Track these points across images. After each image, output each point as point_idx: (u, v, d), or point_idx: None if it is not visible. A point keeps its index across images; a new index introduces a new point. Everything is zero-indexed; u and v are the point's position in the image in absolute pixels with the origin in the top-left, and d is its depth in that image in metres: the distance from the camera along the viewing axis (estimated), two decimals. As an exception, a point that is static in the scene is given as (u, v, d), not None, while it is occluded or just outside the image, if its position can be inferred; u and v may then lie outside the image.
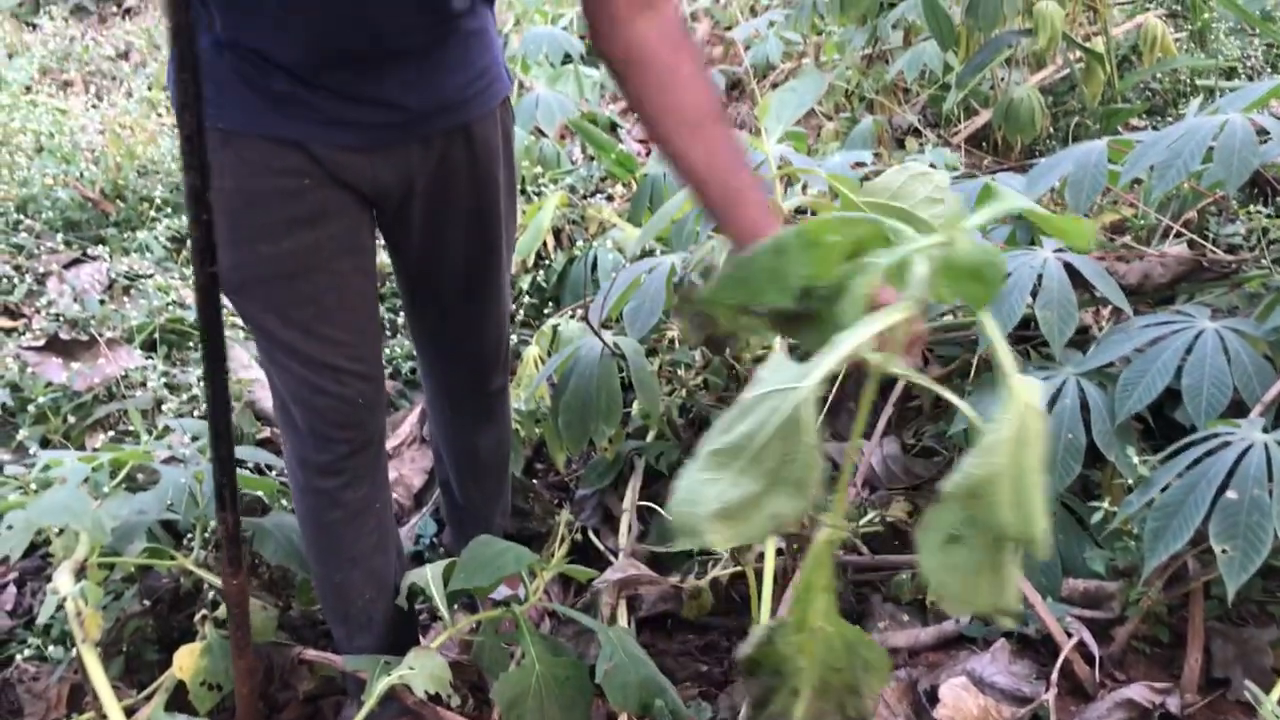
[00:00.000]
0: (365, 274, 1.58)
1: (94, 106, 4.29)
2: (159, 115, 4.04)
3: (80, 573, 1.57)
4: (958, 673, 1.73)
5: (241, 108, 1.42)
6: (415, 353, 1.91)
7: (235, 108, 1.42)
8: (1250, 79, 3.68)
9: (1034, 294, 1.97)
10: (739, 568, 1.98)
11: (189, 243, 1.26)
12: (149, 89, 4.44)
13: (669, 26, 1.34)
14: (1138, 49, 3.49)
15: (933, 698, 1.69)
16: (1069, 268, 2.02)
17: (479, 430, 1.96)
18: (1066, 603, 1.83)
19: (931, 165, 2.87)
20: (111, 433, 2.37)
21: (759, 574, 1.93)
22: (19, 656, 1.87)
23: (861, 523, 2.09)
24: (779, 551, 2.00)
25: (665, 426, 2.33)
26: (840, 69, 3.79)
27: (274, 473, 2.19)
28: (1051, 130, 3.48)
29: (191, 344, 2.70)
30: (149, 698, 1.84)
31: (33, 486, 1.75)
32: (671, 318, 1.55)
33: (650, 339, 2.39)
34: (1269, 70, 3.73)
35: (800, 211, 1.75)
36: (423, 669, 1.40)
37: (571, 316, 2.58)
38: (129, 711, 1.85)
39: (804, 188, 2.11)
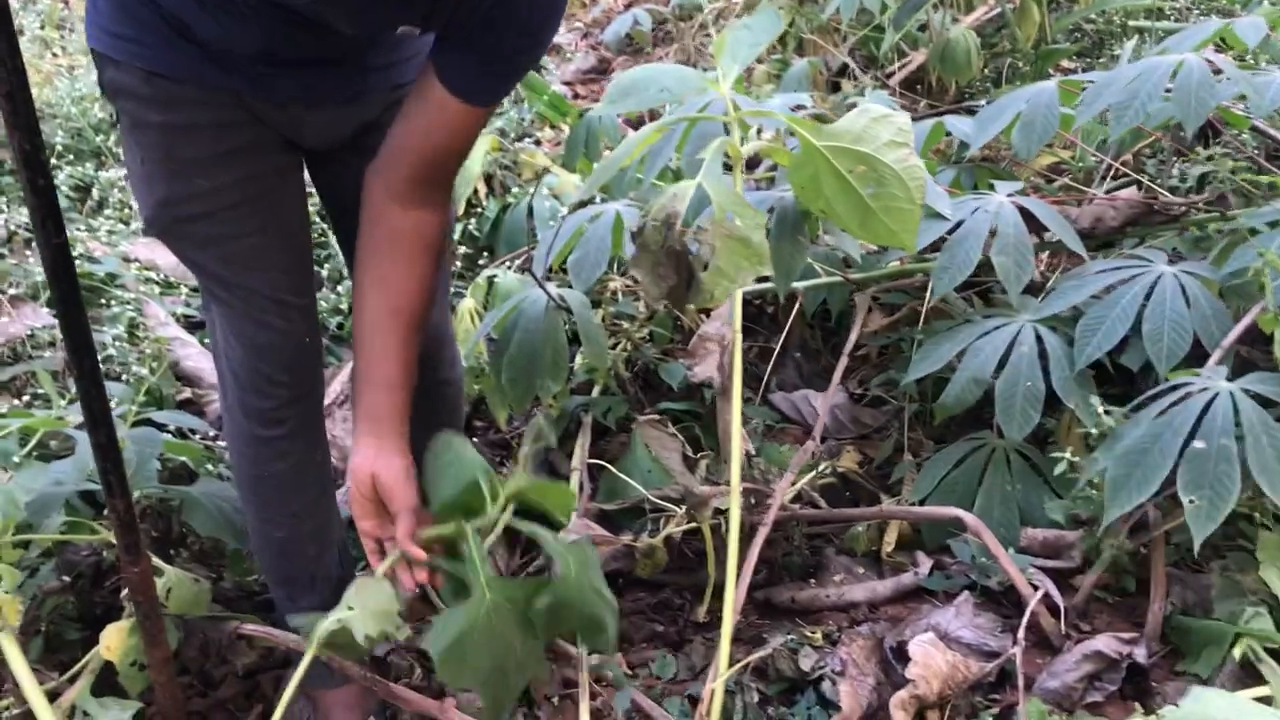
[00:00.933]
0: (303, 203, 1.53)
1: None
2: (54, 55, 3.79)
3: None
4: (922, 628, 1.70)
5: (165, 51, 1.32)
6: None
7: (158, 50, 1.32)
8: (1176, 21, 3.68)
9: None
10: (693, 524, 1.92)
11: (35, 209, 1.18)
12: (41, 27, 4.17)
13: (434, 226, 1.41)
14: (1068, -10, 3.46)
15: (899, 654, 1.66)
16: (1023, 212, 1.98)
17: (428, 421, 1.87)
18: (1026, 553, 1.81)
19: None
20: (21, 399, 2.22)
21: (715, 530, 1.88)
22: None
23: (812, 475, 2.05)
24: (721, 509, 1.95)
25: (612, 381, 2.25)
26: (772, 7, 3.70)
27: (197, 436, 2.06)
28: (985, 72, 3.44)
29: (103, 300, 2.54)
30: (73, 679, 1.73)
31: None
32: (630, 270, 1.47)
33: (593, 290, 2.30)
34: (1195, 11, 3.73)
35: (756, 160, 1.67)
36: (366, 605, 1.31)
37: (508, 267, 2.48)
38: (52, 695, 1.73)
39: (759, 132, 2.03)
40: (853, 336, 2.03)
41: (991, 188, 2.08)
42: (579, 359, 2.34)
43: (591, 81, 4.55)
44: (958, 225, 1.96)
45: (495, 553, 2.09)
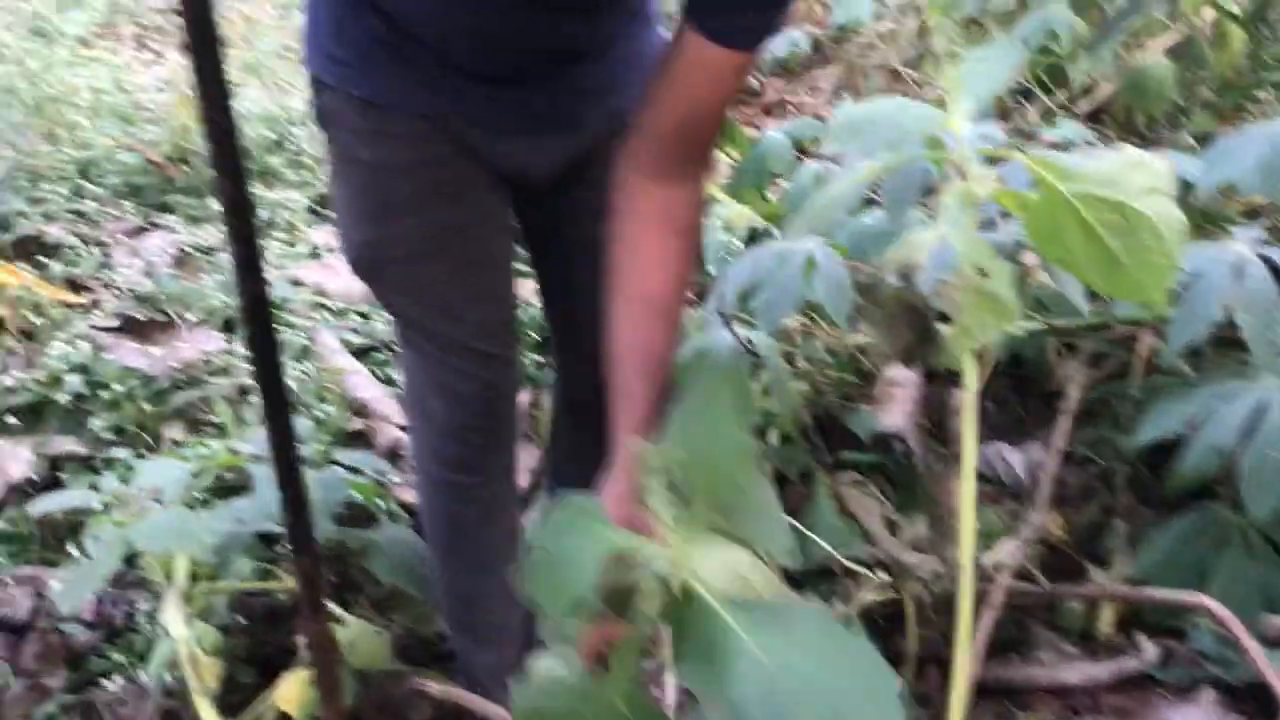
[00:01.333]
0: (508, 249, 1.46)
1: (151, 63, 4.09)
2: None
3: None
4: (1157, 725, 1.53)
5: (382, 77, 1.25)
6: (551, 345, 1.74)
7: (375, 76, 1.25)
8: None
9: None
10: (895, 595, 1.78)
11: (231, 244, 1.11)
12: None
13: (686, 205, 1.25)
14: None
15: (1131, 754, 1.50)
16: (1265, 261, 1.80)
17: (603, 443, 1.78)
18: (1272, 645, 1.63)
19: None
20: (196, 426, 2.19)
21: (919, 603, 1.74)
22: (109, 683, 1.69)
23: (1019, 542, 1.89)
24: (938, 576, 1.81)
25: (793, 428, 2.13)
26: (944, 30, 3.54)
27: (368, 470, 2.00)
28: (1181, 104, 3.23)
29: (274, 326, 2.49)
30: (245, 725, 1.68)
31: (125, 492, 1.56)
32: (863, 323, 1.35)
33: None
34: None
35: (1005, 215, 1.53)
36: None
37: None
38: (225, 741, 1.69)
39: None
40: (1074, 394, 1.86)
41: (1224, 231, 1.90)
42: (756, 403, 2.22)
43: (743, 104, 4.44)
44: (1190, 274, 1.79)
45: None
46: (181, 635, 1.30)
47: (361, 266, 1.38)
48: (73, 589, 1.41)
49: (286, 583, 1.62)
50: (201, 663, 1.29)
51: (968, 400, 1.53)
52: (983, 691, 1.80)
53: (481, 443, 1.48)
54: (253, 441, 1.90)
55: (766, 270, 2.01)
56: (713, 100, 1.19)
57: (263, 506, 1.68)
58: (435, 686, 1.60)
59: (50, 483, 2.09)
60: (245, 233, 1.14)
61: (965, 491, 1.48)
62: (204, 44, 0.97)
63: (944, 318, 1.36)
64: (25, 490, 2.05)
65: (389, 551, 1.68)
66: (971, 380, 1.56)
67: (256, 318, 1.19)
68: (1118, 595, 1.74)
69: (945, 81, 1.55)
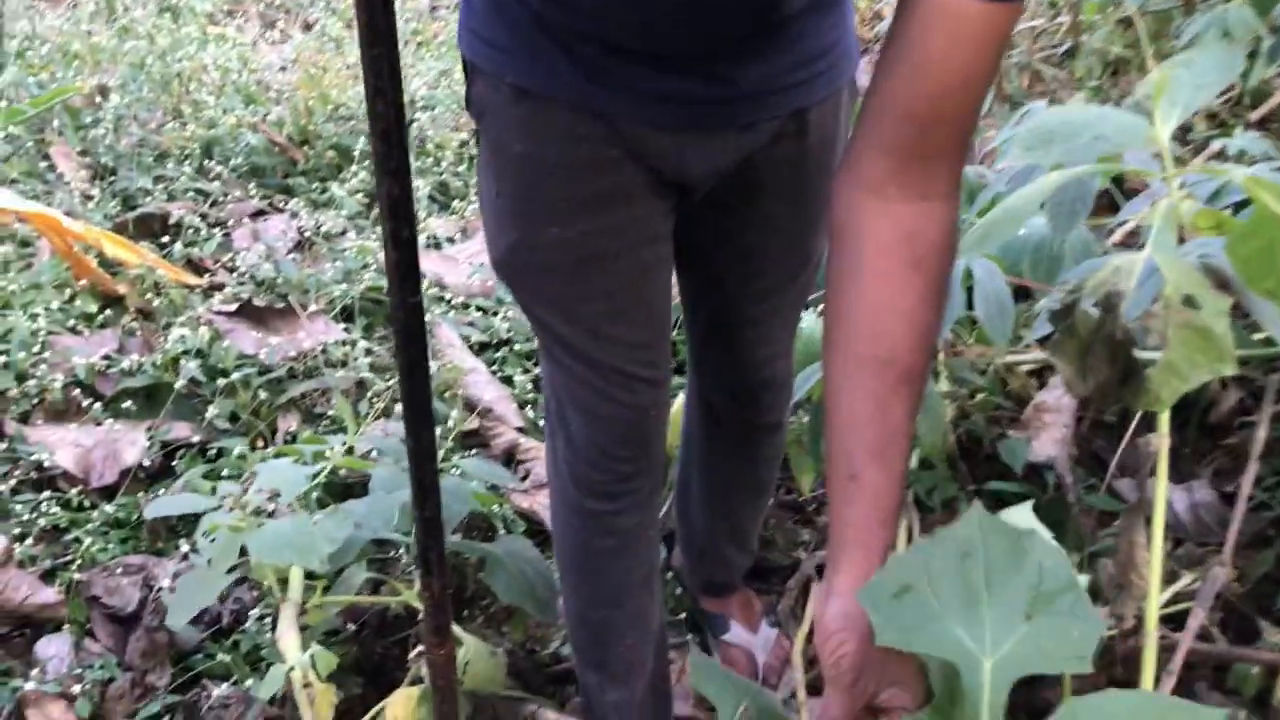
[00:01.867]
0: (665, 265, 1.32)
1: (278, 42, 4.07)
2: (345, 56, 3.78)
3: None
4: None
5: (541, 64, 1.13)
6: (688, 351, 1.62)
7: (533, 62, 1.14)
8: None
9: None
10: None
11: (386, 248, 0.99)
12: (337, 25, 4.18)
13: (935, 226, 0.96)
14: None
15: None
16: None
17: (739, 464, 1.67)
18: None
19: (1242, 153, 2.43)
20: (313, 418, 2.13)
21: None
22: (214, 687, 1.63)
23: (1176, 590, 1.72)
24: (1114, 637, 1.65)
25: (939, 453, 1.98)
26: (1102, 31, 3.34)
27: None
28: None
29: (387, 317, 2.43)
30: (353, 740, 1.60)
31: (243, 500, 1.49)
32: (1051, 355, 1.20)
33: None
34: None
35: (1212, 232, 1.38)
36: None
37: (819, 313, 2.24)
38: (332, 756, 1.61)
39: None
40: (1261, 433, 1.68)
41: None
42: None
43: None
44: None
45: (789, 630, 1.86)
46: (296, 659, 1.21)
47: (504, 270, 1.27)
48: (185, 600, 1.34)
49: (403, 595, 1.53)
50: (317, 690, 1.20)
51: (1162, 446, 1.37)
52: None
53: (626, 470, 1.36)
54: (369, 439, 1.82)
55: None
56: (970, 75, 0.91)
57: (381, 512, 1.60)
58: (552, 715, 1.50)
59: (162, 469, 2.05)
60: (406, 237, 1.04)
61: (1155, 544, 1.33)
62: (376, 33, 0.88)
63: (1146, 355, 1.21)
64: (138, 475, 2.01)
65: (509, 566, 1.58)
66: (1165, 421, 1.40)
67: (410, 330, 1.09)
68: (1304, 663, 1.56)
69: (1147, 88, 1.40)
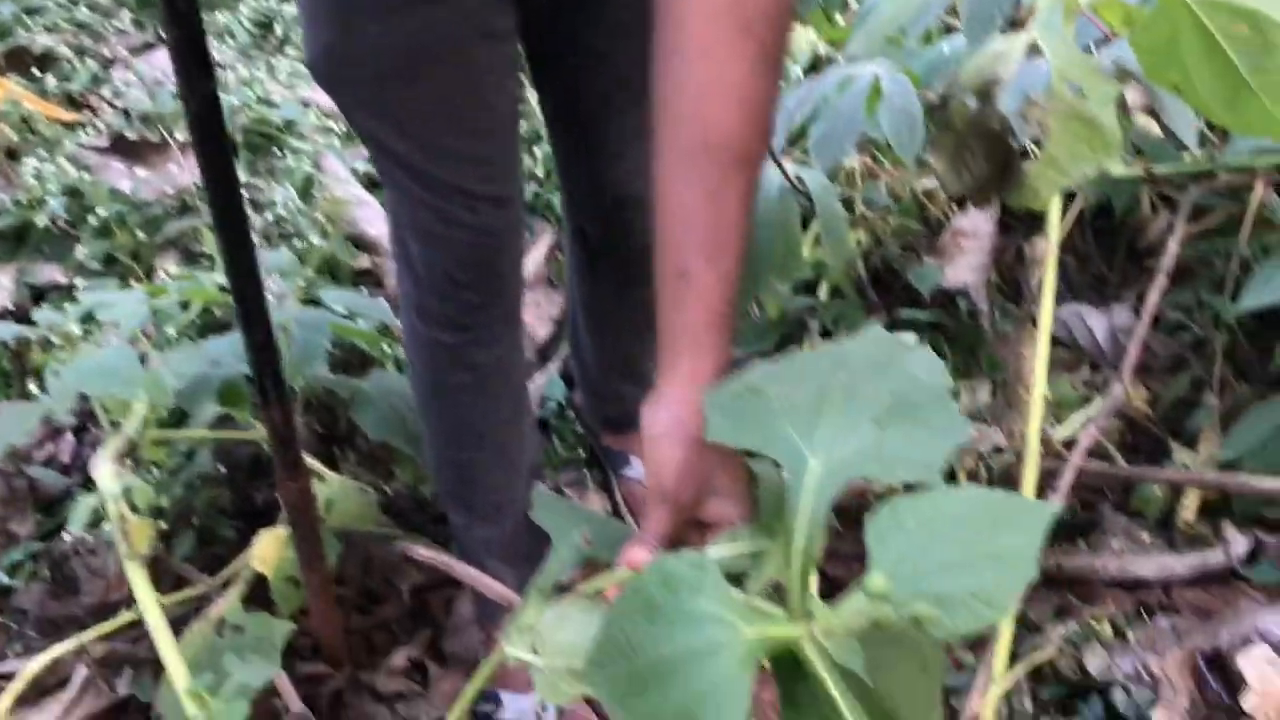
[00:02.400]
0: (505, 68, 1.17)
1: None
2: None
3: (132, 452, 1.22)
4: (1245, 631, 1.33)
5: None
6: (557, 174, 1.51)
7: None
8: None
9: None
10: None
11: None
12: None
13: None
14: None
15: (1213, 663, 1.30)
16: None
17: (621, 294, 1.57)
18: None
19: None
20: (184, 256, 2.01)
21: (974, 478, 1.54)
22: (74, 526, 1.55)
23: (1089, 414, 1.67)
24: (999, 451, 1.60)
25: (846, 281, 1.90)
26: None
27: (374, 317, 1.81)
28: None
29: (278, 150, 2.30)
30: (226, 584, 1.54)
31: (78, 332, 1.39)
32: (928, 154, 1.10)
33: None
34: None
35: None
36: (561, 646, 0.91)
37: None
38: (202, 599, 1.55)
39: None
40: (1172, 248, 1.60)
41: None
42: (806, 250, 1.99)
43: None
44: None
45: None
46: (108, 488, 1.13)
47: (321, 76, 1.14)
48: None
49: (259, 435, 1.45)
50: (130, 523, 1.12)
51: (1049, 249, 1.29)
52: (1043, 579, 1.60)
53: (474, 299, 1.26)
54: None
55: (824, 99, 1.75)
56: None
57: (238, 347, 1.50)
58: (423, 551, 1.44)
59: (29, 313, 1.94)
60: (184, 10, 0.92)
61: (1039, 355, 1.25)
62: None
63: (1028, 148, 1.12)
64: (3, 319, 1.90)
65: (379, 403, 1.50)
66: (1055, 224, 1.32)
67: (205, 124, 0.98)
68: (1205, 480, 1.51)
69: None
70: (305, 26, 1.14)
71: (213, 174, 1.03)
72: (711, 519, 0.87)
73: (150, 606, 1.12)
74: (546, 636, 0.84)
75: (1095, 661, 1.33)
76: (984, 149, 1.10)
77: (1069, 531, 1.66)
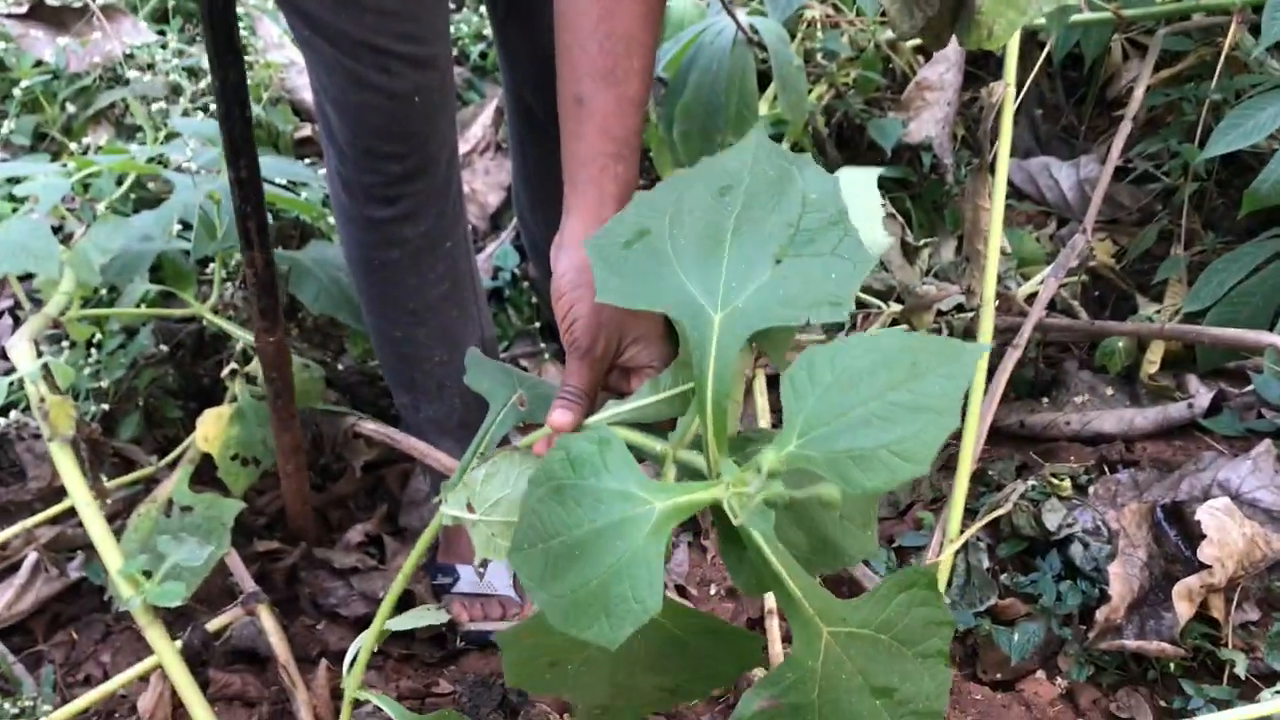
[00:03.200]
0: None
1: None
2: None
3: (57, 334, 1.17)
4: (1205, 483, 1.32)
5: None
6: (494, 38, 1.43)
7: None
8: None
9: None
10: (902, 326, 1.55)
11: None
12: None
13: None
14: None
15: (1172, 515, 1.29)
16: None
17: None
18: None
19: None
20: (119, 129, 1.92)
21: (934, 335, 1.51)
22: (16, 411, 1.51)
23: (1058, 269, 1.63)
24: (959, 309, 1.56)
25: (806, 137, 1.83)
26: None
27: (315, 188, 1.74)
28: None
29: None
30: (173, 464, 1.51)
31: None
32: (876, -10, 1.04)
33: (790, 20, 1.84)
34: None
35: None
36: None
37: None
38: (150, 481, 1.52)
39: None
40: (1138, 93, 1.54)
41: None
42: (763, 107, 1.91)
43: None
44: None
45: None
46: (28, 371, 1.08)
47: None
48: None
49: (197, 309, 1.40)
50: (51, 402, 1.08)
51: (1006, 94, 1.23)
52: (1006, 437, 1.59)
53: (395, 170, 1.19)
54: (178, 150, 1.64)
55: (778, -58, 1.67)
56: None
57: (171, 220, 1.44)
58: (372, 426, 1.40)
59: (-40, 194, 1.86)
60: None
61: (995, 207, 1.21)
62: None
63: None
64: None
65: (320, 275, 1.45)
66: (1013, 65, 1.25)
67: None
68: (1169, 333, 1.48)
69: None
70: None
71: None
72: (632, 364, 0.84)
73: (78, 488, 1.08)
74: (478, 493, 0.82)
75: (1053, 517, 1.31)
76: (936, -15, 1.03)
77: (1032, 389, 1.64)
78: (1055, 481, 1.35)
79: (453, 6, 2.35)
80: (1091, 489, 1.38)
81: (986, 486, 1.46)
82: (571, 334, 0.82)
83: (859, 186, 1.00)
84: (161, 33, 2.07)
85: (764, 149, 0.78)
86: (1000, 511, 1.28)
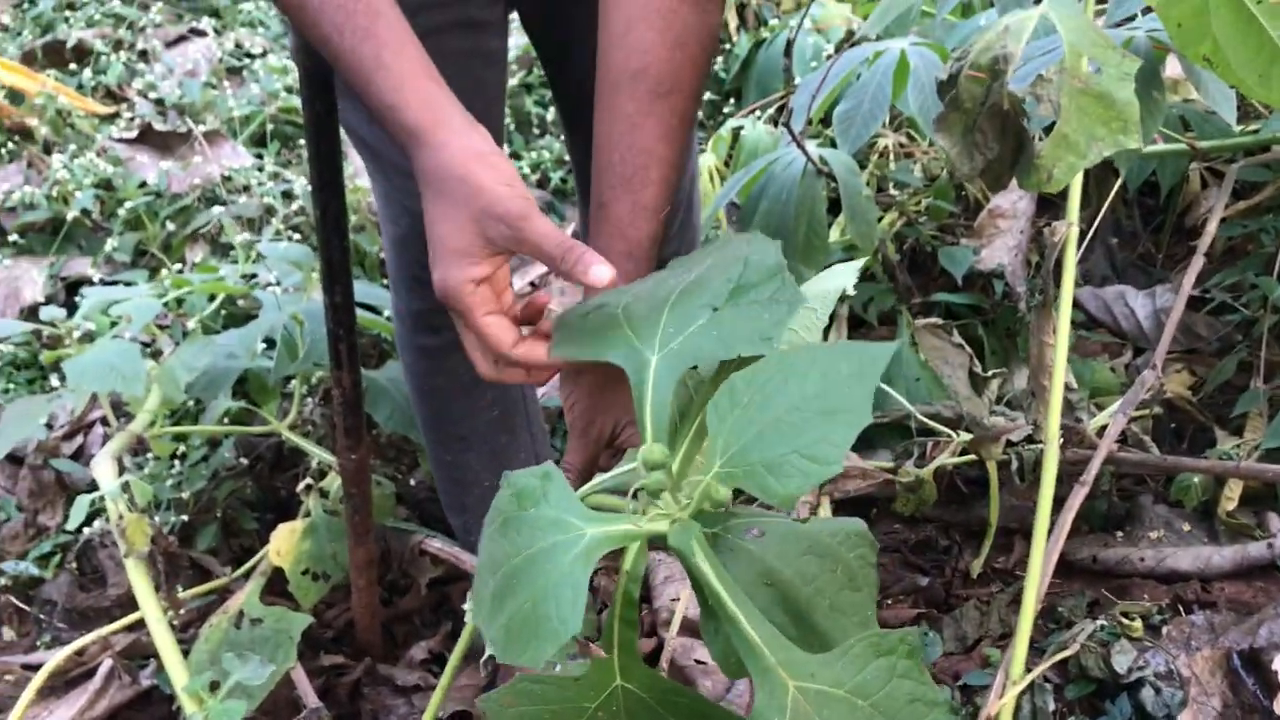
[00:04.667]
0: (484, 59, 1.15)
1: None
2: None
3: (142, 447, 1.22)
4: (1286, 630, 1.27)
5: None
6: (571, 160, 1.48)
7: None
8: None
9: None
10: (970, 456, 1.54)
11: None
12: None
13: None
14: None
15: (1251, 662, 1.25)
16: None
17: None
18: None
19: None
20: (215, 248, 2.02)
21: (1002, 465, 1.50)
22: (100, 520, 1.57)
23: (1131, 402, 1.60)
24: (1029, 440, 1.54)
25: (876, 262, 1.85)
26: None
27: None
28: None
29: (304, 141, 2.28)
30: (247, 575, 1.54)
31: (92, 326, 1.39)
32: (934, 133, 1.06)
33: (861, 150, 1.88)
34: None
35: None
36: None
37: (758, 116, 2.08)
38: (224, 591, 1.56)
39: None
40: (1211, 226, 1.53)
41: None
42: (834, 232, 1.94)
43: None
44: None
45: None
46: (109, 489, 1.13)
47: (301, 64, 1.12)
48: (7, 431, 1.26)
49: (276, 427, 1.45)
50: (128, 520, 1.12)
51: (1069, 234, 1.24)
52: (1078, 572, 1.56)
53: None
54: (265, 269, 1.71)
55: (851, 75, 1.71)
56: None
57: (257, 340, 1.50)
58: (438, 545, 1.43)
59: (65, 308, 1.96)
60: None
61: (1059, 344, 1.20)
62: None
63: (1048, 129, 1.07)
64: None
65: (394, 395, 1.49)
66: (1075, 205, 1.26)
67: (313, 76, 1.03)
68: (1245, 471, 1.44)
69: None
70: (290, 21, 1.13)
71: (315, 120, 1.07)
72: (627, 445, 0.91)
73: (149, 604, 1.12)
74: None
75: (1124, 659, 1.28)
76: (994, 129, 1.06)
77: (1105, 522, 1.61)
78: (1126, 621, 1.32)
79: (536, 132, 2.44)
80: (1165, 630, 1.34)
81: (1056, 623, 1.42)
82: (572, 415, 0.90)
83: (837, 277, 1.04)
84: (259, 156, 2.18)
85: (731, 239, 0.85)
86: (1068, 651, 1.25)
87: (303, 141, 2.31)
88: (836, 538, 0.79)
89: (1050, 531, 1.24)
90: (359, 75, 0.85)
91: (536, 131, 2.43)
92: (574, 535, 0.69)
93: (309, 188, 2.01)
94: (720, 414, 0.69)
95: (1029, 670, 1.19)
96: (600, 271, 0.80)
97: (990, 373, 1.63)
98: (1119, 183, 1.93)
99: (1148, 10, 1.63)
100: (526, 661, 0.65)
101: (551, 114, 2.45)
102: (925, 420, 1.62)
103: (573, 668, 0.88)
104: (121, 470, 1.18)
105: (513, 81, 2.47)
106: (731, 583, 0.72)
